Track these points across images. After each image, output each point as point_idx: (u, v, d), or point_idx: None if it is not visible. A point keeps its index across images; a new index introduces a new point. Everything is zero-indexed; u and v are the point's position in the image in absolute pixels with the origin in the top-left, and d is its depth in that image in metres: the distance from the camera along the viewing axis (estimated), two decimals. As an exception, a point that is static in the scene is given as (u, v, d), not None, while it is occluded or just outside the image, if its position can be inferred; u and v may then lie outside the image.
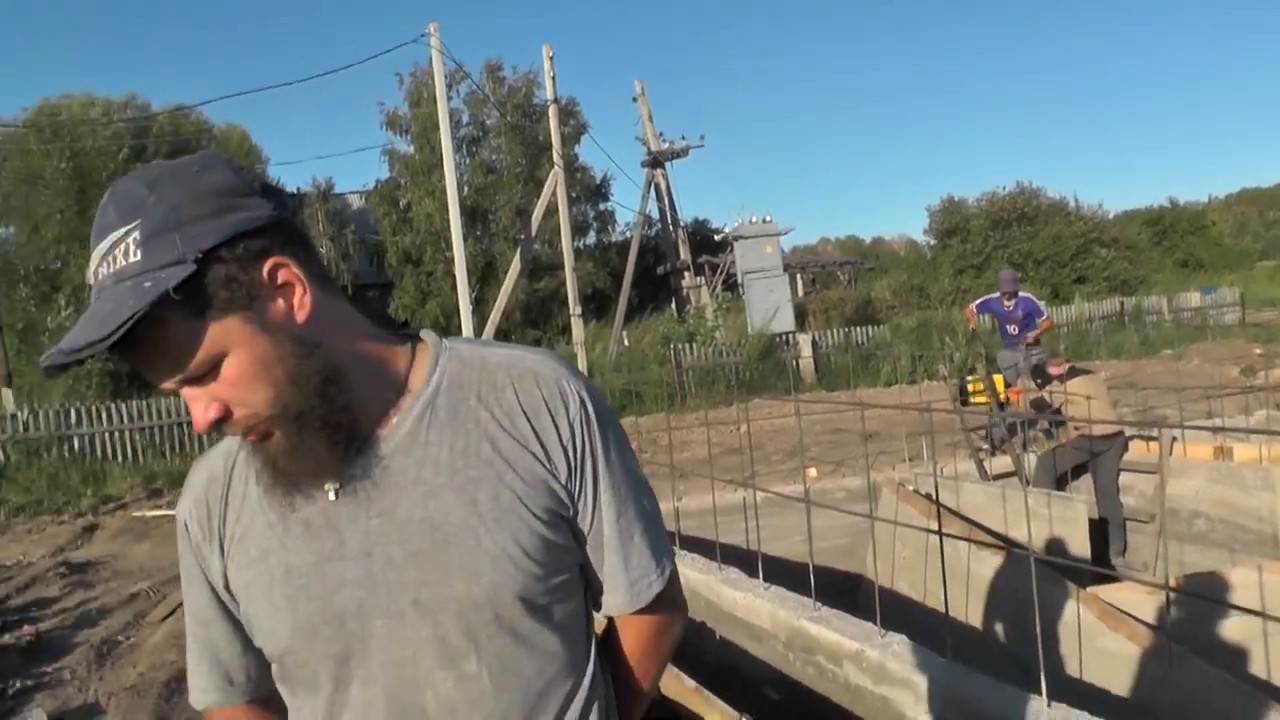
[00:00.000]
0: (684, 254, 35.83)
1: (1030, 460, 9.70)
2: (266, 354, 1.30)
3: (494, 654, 1.42)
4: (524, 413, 1.45)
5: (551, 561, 1.45)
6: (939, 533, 5.38)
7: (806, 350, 24.50)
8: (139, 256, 1.23)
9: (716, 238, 39.70)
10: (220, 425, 1.32)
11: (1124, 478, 9.31)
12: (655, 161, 34.52)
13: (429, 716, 1.42)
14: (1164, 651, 4.47)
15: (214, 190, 1.27)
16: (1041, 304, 13.10)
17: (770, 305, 27.89)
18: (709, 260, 37.44)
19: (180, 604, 7.87)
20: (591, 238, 39.75)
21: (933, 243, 42.49)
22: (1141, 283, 37.62)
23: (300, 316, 1.33)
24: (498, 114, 34.44)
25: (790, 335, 25.83)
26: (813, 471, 10.63)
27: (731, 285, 34.63)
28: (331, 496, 1.40)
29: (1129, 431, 9.64)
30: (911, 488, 8.17)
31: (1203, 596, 5.26)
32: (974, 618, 6.14)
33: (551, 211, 26.04)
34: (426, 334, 1.53)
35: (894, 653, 4.80)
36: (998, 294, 12.90)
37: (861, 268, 51.34)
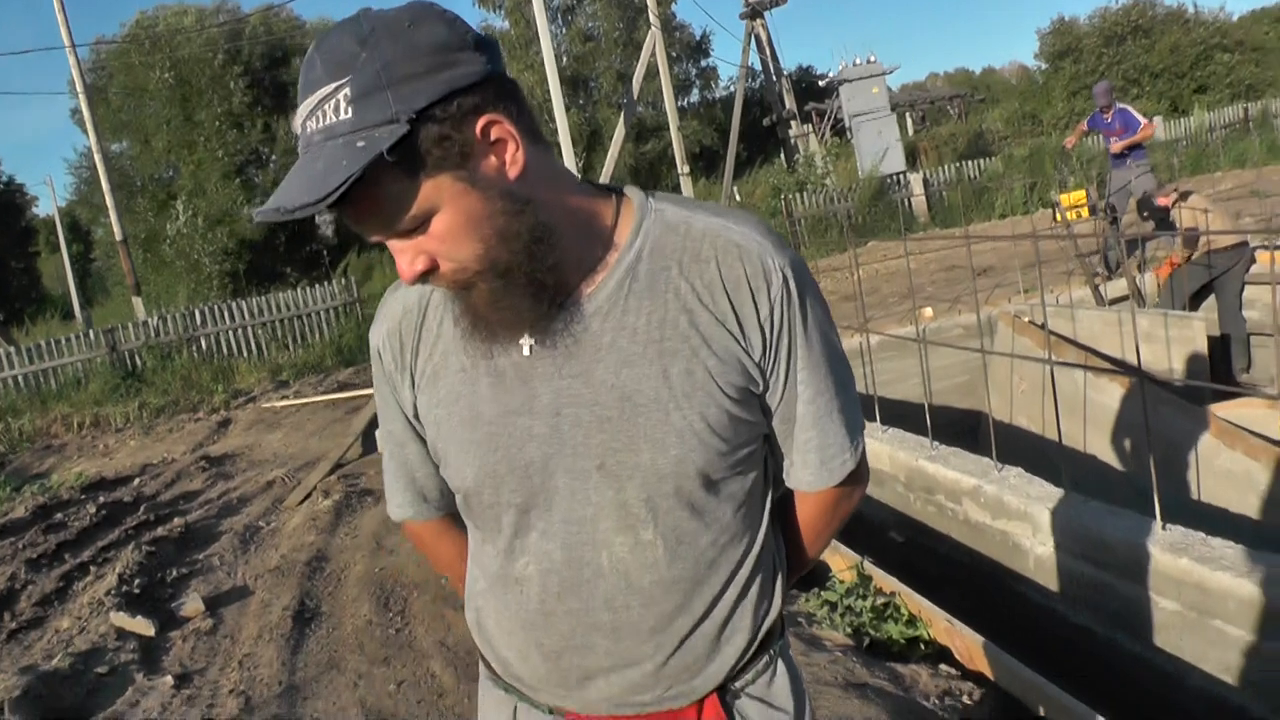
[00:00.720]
0: (789, 103, 35.02)
1: (1146, 281, 9.44)
2: (477, 211, 1.29)
3: (670, 524, 1.44)
4: (725, 288, 1.42)
5: (736, 437, 1.45)
6: (1049, 361, 5.29)
7: (918, 189, 24.02)
8: (350, 114, 1.21)
9: (822, 84, 38.83)
10: (426, 278, 1.33)
11: (1249, 291, 8.98)
12: (754, 12, 33.57)
13: (603, 575, 1.46)
14: (1285, 465, 4.38)
15: (427, 46, 1.23)
16: (1139, 115, 12.64)
17: (880, 147, 27.30)
18: (815, 107, 36.67)
19: (315, 487, 8.17)
20: (695, 96, 39.21)
21: (1044, 67, 40.96)
22: (1270, 85, 35.81)
23: (512, 173, 1.30)
24: (591, -21, 33.91)
25: (902, 175, 25.31)
26: (928, 311, 10.48)
27: (840, 130, 33.94)
28: (526, 351, 1.41)
29: (1253, 242, 9.27)
30: (1027, 319, 8.03)
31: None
32: (1093, 446, 6.08)
33: (653, 73, 25.70)
34: (631, 190, 1.50)
35: (1011, 486, 4.79)
36: (1097, 110, 12.60)
37: (972, 100, 49.77)
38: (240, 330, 16.81)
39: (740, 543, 1.51)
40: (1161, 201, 9.40)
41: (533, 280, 1.34)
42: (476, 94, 1.26)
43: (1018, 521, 4.65)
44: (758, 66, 35.49)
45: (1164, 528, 3.88)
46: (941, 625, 4.10)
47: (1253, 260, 9.09)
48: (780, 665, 1.61)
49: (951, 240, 13.60)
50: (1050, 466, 5.08)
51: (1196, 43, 36.14)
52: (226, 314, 16.86)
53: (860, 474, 1.61)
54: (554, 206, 1.36)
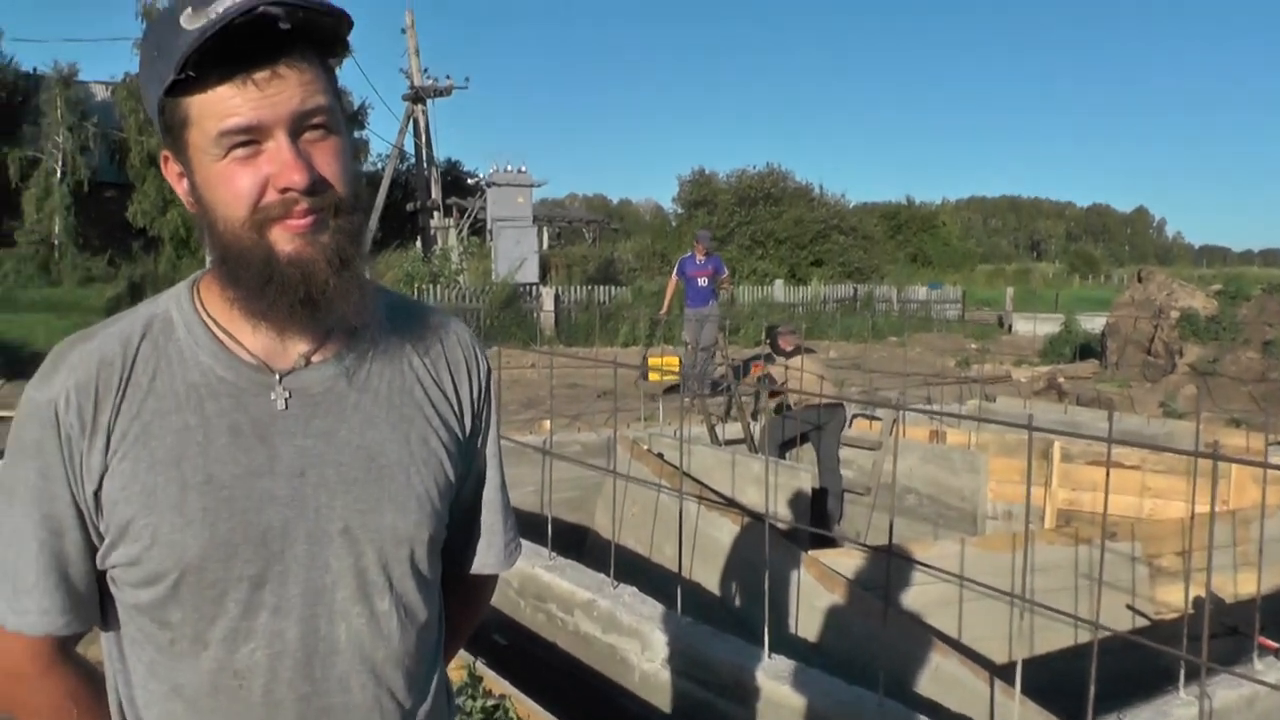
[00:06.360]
0: (435, 194, 35.30)
1: (757, 428, 10.09)
2: (349, 156, 1.33)
3: (401, 594, 1.41)
4: (448, 366, 1.50)
5: (447, 510, 1.47)
6: (666, 488, 5.57)
7: (549, 304, 24.67)
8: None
9: (470, 181, 39.36)
10: (315, 189, 1.26)
11: (844, 452, 9.80)
12: (417, 96, 33.82)
13: (339, 650, 1.37)
14: (877, 610, 4.80)
15: None
16: (725, 267, 14.97)
17: (517, 255, 27.92)
18: (458, 203, 37.06)
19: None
20: (343, 165, 38.65)
21: (680, 211, 43.29)
22: (874, 272, 39.54)
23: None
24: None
25: (535, 287, 25.95)
26: (547, 424, 10.74)
27: (478, 230, 34.42)
28: (281, 405, 1.34)
29: (854, 409, 10.16)
30: (645, 447, 8.39)
31: (918, 562, 5.66)
32: (699, 575, 6.39)
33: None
34: None
35: (625, 604, 4.97)
36: (690, 254, 14.62)
37: (606, 227, 51.76)
38: None
39: (436, 624, 1.51)
40: (784, 344, 10.04)
41: (362, 256, 1.33)
42: None
43: (628, 637, 4.83)
44: (410, 150, 35.64)
45: (769, 656, 4.18)
46: (551, 730, 4.18)
47: (846, 422, 9.93)
48: None
49: (578, 359, 14.01)
50: (658, 589, 5.31)
51: (818, 220, 39.41)
52: None
53: None
54: None
